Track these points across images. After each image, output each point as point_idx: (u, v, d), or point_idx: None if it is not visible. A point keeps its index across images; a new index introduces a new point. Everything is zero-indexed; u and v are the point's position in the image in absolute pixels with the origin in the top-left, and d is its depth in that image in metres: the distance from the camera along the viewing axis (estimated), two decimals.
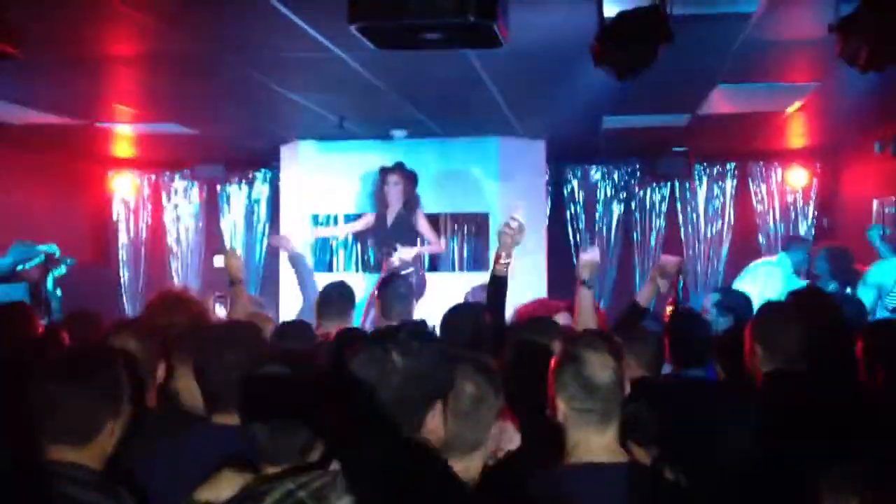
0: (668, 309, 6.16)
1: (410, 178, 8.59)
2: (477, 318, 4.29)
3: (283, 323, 5.12)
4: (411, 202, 8.52)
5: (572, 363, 2.61)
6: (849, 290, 6.68)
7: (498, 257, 4.49)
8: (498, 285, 4.51)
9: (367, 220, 8.77)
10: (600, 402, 2.57)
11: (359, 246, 9.75)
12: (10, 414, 2.78)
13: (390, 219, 8.47)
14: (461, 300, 6.20)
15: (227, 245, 11.18)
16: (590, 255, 4.60)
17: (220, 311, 5.95)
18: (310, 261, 9.41)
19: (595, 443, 2.57)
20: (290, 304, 8.38)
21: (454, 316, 4.28)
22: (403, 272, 7.53)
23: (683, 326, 4.67)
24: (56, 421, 2.50)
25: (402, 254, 8.00)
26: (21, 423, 2.55)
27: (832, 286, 6.59)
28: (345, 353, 2.25)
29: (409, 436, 2.14)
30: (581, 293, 4.48)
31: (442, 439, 2.24)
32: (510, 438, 3.09)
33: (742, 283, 7.63)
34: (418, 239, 8.42)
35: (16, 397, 2.64)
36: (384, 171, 8.60)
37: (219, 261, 5.27)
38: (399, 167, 8.57)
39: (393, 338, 2.22)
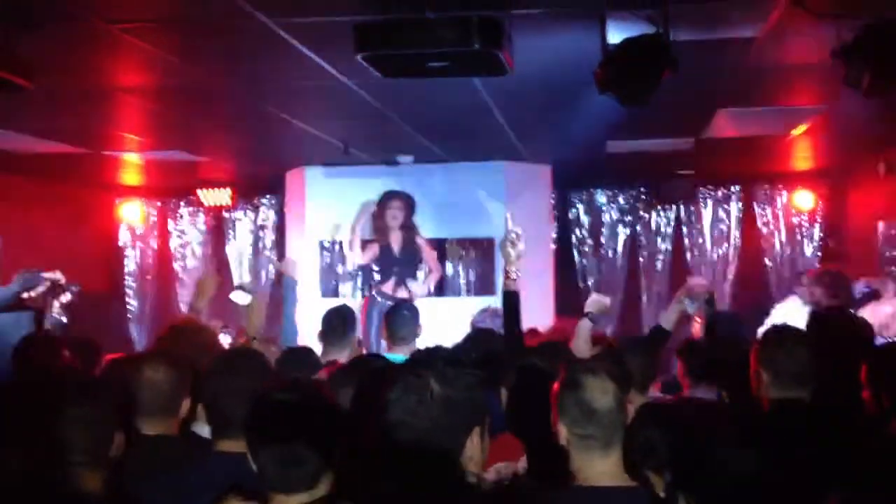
0: (697, 327, 6.18)
1: (410, 205, 8.63)
2: (491, 343, 4.33)
3: (288, 349, 5.10)
4: (410, 228, 8.54)
5: (572, 389, 2.61)
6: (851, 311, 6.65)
7: (507, 273, 4.52)
8: (511, 301, 4.54)
9: (374, 250, 8.75)
10: (601, 428, 2.56)
11: (364, 273, 9.75)
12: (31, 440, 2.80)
13: (396, 247, 8.48)
14: (468, 325, 6.22)
15: (236, 277, 11.17)
16: (601, 297, 4.76)
17: (226, 340, 5.91)
18: (317, 286, 9.42)
19: (598, 468, 2.57)
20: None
21: (469, 340, 4.31)
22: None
23: (696, 344, 4.73)
24: (80, 440, 2.53)
25: (416, 289, 7.98)
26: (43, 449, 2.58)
27: None
28: (372, 382, 2.23)
29: (449, 463, 2.14)
30: (581, 322, 4.54)
31: (480, 463, 2.23)
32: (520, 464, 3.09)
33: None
34: (423, 268, 8.46)
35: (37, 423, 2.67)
36: (386, 198, 8.62)
37: (241, 298, 5.18)
38: (400, 194, 8.58)
39: (429, 366, 2.22)
